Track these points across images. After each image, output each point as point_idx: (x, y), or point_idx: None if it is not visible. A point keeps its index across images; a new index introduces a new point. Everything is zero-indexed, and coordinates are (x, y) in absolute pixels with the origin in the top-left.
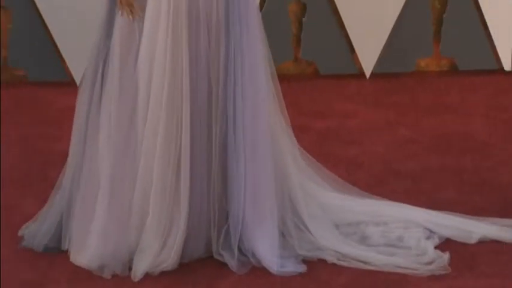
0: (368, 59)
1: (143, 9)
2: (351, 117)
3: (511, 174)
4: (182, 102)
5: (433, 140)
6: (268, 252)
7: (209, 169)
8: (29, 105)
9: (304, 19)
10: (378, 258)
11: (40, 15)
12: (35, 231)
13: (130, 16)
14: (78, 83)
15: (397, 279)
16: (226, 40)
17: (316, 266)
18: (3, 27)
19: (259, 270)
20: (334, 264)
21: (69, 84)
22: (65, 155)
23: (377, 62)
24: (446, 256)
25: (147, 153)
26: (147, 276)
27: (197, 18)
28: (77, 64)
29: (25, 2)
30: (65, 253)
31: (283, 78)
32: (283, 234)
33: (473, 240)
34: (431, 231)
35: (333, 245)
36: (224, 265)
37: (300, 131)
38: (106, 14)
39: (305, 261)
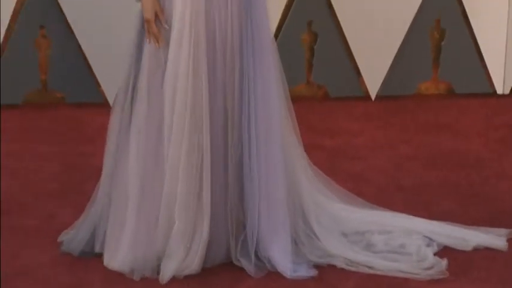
0: (373, 82)
1: (168, 39)
2: (357, 136)
3: (502, 188)
4: (203, 120)
5: (431, 156)
6: (282, 259)
7: (226, 184)
8: (67, 125)
9: (315, 47)
10: (383, 264)
11: (77, 43)
12: (72, 238)
13: (156, 44)
14: (111, 104)
15: (400, 282)
16: (240, 66)
17: (326, 271)
18: (43, 54)
19: (274, 275)
20: (342, 269)
21: (103, 105)
22: (99, 170)
23: (381, 85)
24: (444, 262)
25: (172, 168)
26: (173, 279)
27: (214, 47)
28: (110, 87)
29: (63, 31)
30: (99, 257)
31: (296, 100)
32: (295, 242)
33: (469, 247)
34: (430, 239)
35: (342, 252)
36: (242, 270)
37: (311, 148)
38: (136, 41)
39: (316, 266)
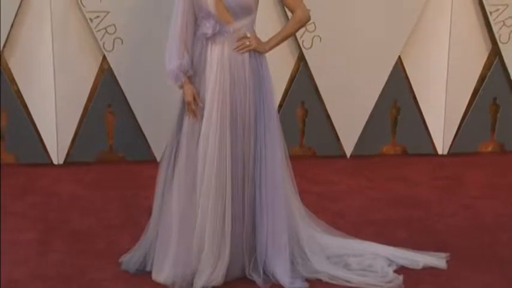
0: (348, 145)
1: (202, 114)
2: (337, 184)
3: (443, 222)
4: (226, 174)
5: (392, 199)
6: (283, 274)
7: (243, 219)
8: (126, 176)
9: (306, 119)
10: (356, 279)
11: (134, 117)
12: (130, 259)
13: (194, 119)
14: (158, 160)
15: None
16: (255, 132)
17: (314, 283)
18: (110, 125)
19: (277, 286)
20: (327, 283)
21: (152, 161)
22: (150, 209)
23: (354, 147)
24: (401, 277)
25: (202, 210)
26: None
27: (236, 122)
28: (158, 148)
29: (125, 108)
30: (149, 274)
31: (292, 158)
32: (292, 262)
33: (418, 267)
34: (391, 261)
35: (326, 269)
36: (254, 282)
37: (303, 193)
38: (178, 118)
39: (307, 280)
